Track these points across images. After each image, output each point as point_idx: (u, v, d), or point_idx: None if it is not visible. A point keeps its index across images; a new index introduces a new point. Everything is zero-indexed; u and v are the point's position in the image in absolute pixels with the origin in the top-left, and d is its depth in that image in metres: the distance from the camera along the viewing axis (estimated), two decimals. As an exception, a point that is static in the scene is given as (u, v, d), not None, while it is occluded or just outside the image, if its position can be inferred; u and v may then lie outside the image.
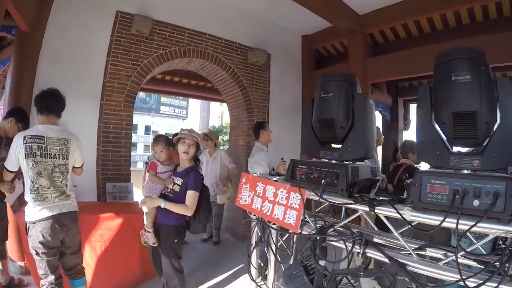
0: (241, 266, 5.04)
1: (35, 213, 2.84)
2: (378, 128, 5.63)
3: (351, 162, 2.02)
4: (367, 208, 1.68)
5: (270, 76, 6.72)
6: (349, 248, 1.69)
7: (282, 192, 2.15)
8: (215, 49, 5.87)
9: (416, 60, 5.44)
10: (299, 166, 2.12)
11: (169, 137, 3.81)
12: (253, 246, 2.79)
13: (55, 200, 2.93)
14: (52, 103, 3.10)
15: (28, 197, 2.85)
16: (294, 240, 2.56)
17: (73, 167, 3.26)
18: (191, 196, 3.07)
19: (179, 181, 3.17)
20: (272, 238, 2.54)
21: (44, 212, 2.85)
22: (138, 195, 7.61)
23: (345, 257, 1.70)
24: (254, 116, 6.37)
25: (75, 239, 3.14)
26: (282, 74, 6.96)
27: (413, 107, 9.45)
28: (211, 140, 6.03)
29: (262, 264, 2.83)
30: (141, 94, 28.94)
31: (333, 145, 2.08)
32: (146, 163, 8.02)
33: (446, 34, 5.83)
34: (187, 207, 3.04)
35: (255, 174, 2.58)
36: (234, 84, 6.19)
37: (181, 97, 30.85)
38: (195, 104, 33.67)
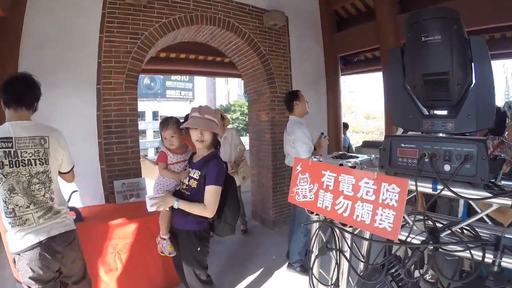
0: (274, 258, 4.47)
1: (17, 241, 2.05)
2: None
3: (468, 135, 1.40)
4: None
5: (289, 41, 5.68)
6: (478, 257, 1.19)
7: (368, 183, 1.45)
8: (226, 14, 4.90)
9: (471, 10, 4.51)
10: (402, 145, 1.43)
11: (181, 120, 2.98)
12: (316, 254, 2.01)
13: (39, 222, 2.10)
14: (22, 92, 2.20)
15: (5, 222, 2.06)
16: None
17: (59, 172, 2.41)
18: (211, 193, 2.29)
19: (195, 174, 2.39)
20: (347, 245, 1.78)
21: (28, 239, 2.06)
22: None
23: (475, 271, 1.17)
24: (276, 87, 5.46)
25: (75, 266, 2.34)
26: (301, 39, 5.98)
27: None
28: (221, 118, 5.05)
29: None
30: (146, 80, 28.02)
31: (441, 112, 1.46)
32: (158, 148, 7.24)
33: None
34: (205, 207, 2.28)
35: (314, 159, 1.81)
36: (251, 52, 5.24)
37: (186, 79, 29.94)
38: (201, 85, 32.71)
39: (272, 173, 5.36)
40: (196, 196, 2.34)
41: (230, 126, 5.93)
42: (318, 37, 6.35)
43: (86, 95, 3.87)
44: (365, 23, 6.12)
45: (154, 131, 32.60)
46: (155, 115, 33.27)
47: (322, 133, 4.02)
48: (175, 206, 2.29)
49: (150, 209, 2.37)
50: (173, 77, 29.94)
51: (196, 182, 2.34)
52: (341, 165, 1.60)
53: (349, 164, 1.60)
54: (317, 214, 1.80)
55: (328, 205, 1.62)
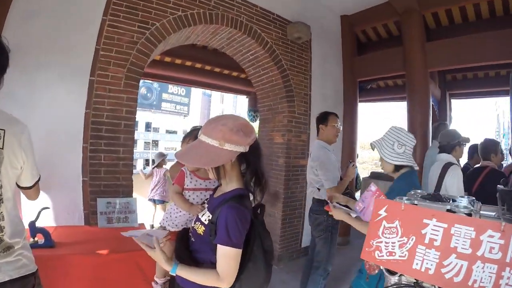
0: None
1: None
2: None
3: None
4: None
5: (311, 58, 4.94)
6: None
7: (492, 237, 0.98)
8: (249, 18, 4.19)
9: (485, 47, 4.29)
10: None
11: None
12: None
13: (-21, 262, 1.25)
14: None
15: None
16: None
17: (18, 186, 1.59)
18: (225, 257, 1.35)
19: (205, 215, 1.49)
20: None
21: None
22: (143, 212, 5.94)
23: None
24: (295, 106, 4.70)
25: None
26: (323, 58, 5.29)
27: (455, 103, 8.00)
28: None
29: None
30: (143, 90, 27.07)
31: None
32: (153, 161, 6.51)
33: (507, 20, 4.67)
34: (219, 278, 1.35)
35: (406, 201, 1.18)
36: (271, 65, 4.50)
37: (183, 94, 29.13)
38: (196, 101, 31.85)
39: (283, 203, 4.55)
40: (201, 248, 1.48)
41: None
42: (339, 59, 5.68)
43: (74, 86, 3.03)
44: (386, 49, 5.63)
45: (145, 142, 31.42)
46: (148, 126, 32.13)
47: (351, 161, 3.33)
48: (171, 272, 1.37)
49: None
50: (170, 90, 29.07)
51: (202, 228, 1.45)
52: (450, 211, 1.10)
53: (464, 211, 1.09)
54: (400, 275, 1.21)
55: (431, 267, 1.12)
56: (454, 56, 4.54)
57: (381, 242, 1.23)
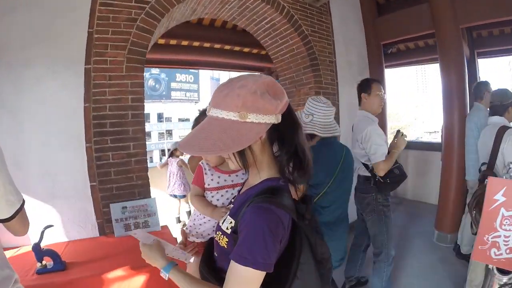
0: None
1: None
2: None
3: None
4: None
5: (332, 22, 4.28)
6: None
7: None
8: (260, -19, 3.47)
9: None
10: None
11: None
12: None
13: None
14: None
15: None
16: None
17: None
18: (238, 280, 0.84)
19: (227, 221, 1.00)
20: None
21: None
22: (166, 207, 5.47)
23: None
24: (321, 75, 4.06)
25: None
26: (344, 21, 4.61)
27: (483, 62, 7.06)
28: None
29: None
30: (150, 82, 26.46)
31: None
32: (169, 150, 5.86)
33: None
34: None
35: None
36: (291, 32, 3.87)
37: (191, 80, 28.47)
38: (205, 86, 31.15)
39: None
40: (227, 266, 0.93)
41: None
42: (359, 21, 4.98)
43: (69, 78, 2.50)
44: (409, 7, 4.83)
45: (159, 133, 31.03)
46: (160, 117, 31.62)
47: (399, 131, 2.78)
48: (164, 272, 1.01)
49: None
50: (178, 78, 28.30)
51: (225, 240, 0.98)
52: None
53: None
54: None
55: None
56: (486, 10, 3.88)
57: (499, 236, 1.03)
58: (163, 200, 5.01)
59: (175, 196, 5.47)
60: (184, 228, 1.66)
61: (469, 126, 3.48)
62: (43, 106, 2.40)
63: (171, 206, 5.64)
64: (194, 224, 1.62)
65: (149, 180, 2.76)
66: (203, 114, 1.45)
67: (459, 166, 3.81)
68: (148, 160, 3.26)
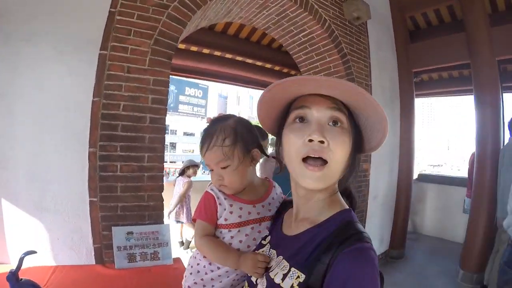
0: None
1: None
2: None
3: None
4: None
5: (369, 44, 3.73)
6: None
7: None
8: (305, -10, 3.00)
9: None
10: None
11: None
12: None
13: None
14: None
15: None
16: None
17: None
18: None
19: (280, 274, 0.66)
20: None
21: None
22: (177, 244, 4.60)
23: None
24: (358, 99, 3.38)
25: None
26: (379, 44, 4.11)
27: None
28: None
29: None
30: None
31: None
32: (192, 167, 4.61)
33: None
34: None
35: None
36: (330, 48, 3.35)
37: (200, 96, 28.07)
38: (213, 103, 30.77)
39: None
40: None
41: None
42: (392, 46, 4.48)
43: (77, 63, 1.93)
44: (442, 36, 4.43)
45: (170, 144, 30.02)
46: (165, 128, 31.04)
47: None
48: None
49: None
50: (187, 92, 27.79)
51: None
52: None
53: None
54: None
55: None
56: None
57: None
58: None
59: (178, 222, 4.47)
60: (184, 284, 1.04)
61: (505, 161, 3.12)
62: (41, 92, 1.83)
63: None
64: (202, 279, 0.98)
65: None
66: (216, 122, 0.96)
67: (489, 202, 3.45)
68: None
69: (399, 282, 3.51)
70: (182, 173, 4.49)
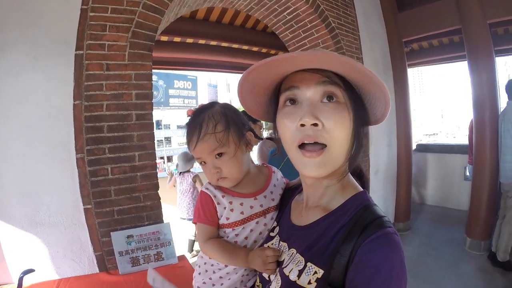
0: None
1: None
2: None
3: None
4: None
5: (356, 16, 3.61)
6: None
7: None
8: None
9: None
10: None
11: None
12: None
13: None
14: None
15: None
16: None
17: None
18: None
19: (304, 274, 0.59)
20: None
21: None
22: (181, 241, 4.19)
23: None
24: (350, 73, 3.29)
25: None
26: (367, 16, 3.99)
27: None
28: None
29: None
30: (150, 89, 25.66)
31: None
32: (177, 165, 4.25)
33: None
34: None
35: None
36: (317, 23, 3.23)
37: (189, 87, 27.68)
38: (203, 93, 30.38)
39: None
40: None
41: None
42: (380, 17, 4.36)
43: (54, 68, 1.82)
44: (431, 2, 4.28)
45: (158, 140, 29.96)
46: (158, 124, 30.67)
47: None
48: None
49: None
50: (176, 85, 27.57)
51: None
52: None
53: None
54: None
55: None
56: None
57: None
58: (175, 219, 3.94)
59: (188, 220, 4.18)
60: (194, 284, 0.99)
61: (505, 126, 3.11)
62: (20, 104, 1.73)
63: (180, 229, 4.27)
64: (210, 279, 0.93)
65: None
66: (201, 111, 0.87)
67: (491, 168, 3.41)
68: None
69: (407, 255, 3.41)
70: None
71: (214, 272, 0.93)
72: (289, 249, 0.67)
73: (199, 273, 0.97)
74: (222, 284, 0.91)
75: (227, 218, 0.88)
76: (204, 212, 0.90)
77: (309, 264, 0.59)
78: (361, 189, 0.65)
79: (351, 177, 0.66)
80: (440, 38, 5.66)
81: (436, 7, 4.09)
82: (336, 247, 0.55)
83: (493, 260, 3.14)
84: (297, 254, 0.63)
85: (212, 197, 0.89)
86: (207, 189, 0.91)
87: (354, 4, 3.71)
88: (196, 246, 4.20)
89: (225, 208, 0.87)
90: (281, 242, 0.72)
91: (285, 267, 0.64)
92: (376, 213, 0.57)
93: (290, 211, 0.77)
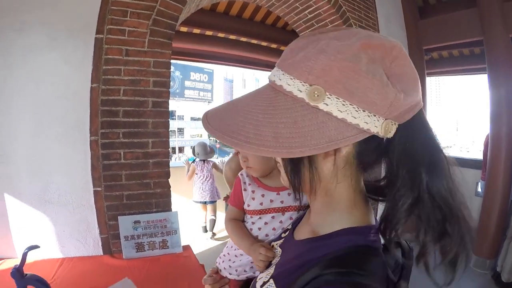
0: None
1: None
2: None
3: None
4: None
5: (377, 19, 3.53)
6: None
7: None
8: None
9: None
10: None
11: None
12: None
13: None
14: None
15: None
16: None
17: None
18: None
19: (262, 281, 0.57)
20: None
21: None
22: (187, 226, 4.16)
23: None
24: (369, 78, 3.23)
25: None
26: (387, 19, 3.90)
27: None
28: None
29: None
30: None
31: None
32: (193, 161, 4.54)
33: None
34: None
35: None
36: (339, 24, 3.19)
37: (205, 80, 27.80)
38: (219, 87, 30.51)
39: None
40: None
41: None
42: (401, 23, 4.26)
43: (73, 49, 1.82)
44: (452, 11, 4.19)
45: (170, 130, 30.30)
46: (172, 114, 30.84)
47: None
48: None
49: None
50: (192, 77, 27.50)
51: None
52: None
53: None
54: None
55: None
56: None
57: None
58: (183, 209, 4.03)
59: (204, 203, 4.43)
60: (216, 262, 1.09)
61: None
62: (37, 84, 1.75)
63: (194, 213, 4.63)
64: (229, 254, 1.05)
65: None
66: None
67: (504, 185, 3.31)
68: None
69: None
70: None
71: (233, 248, 1.04)
72: (279, 257, 0.63)
73: (226, 246, 1.08)
74: (234, 262, 1.02)
75: (248, 205, 0.96)
76: (233, 194, 1.02)
77: (271, 280, 0.55)
78: (367, 223, 0.50)
79: (354, 203, 0.50)
80: (461, 49, 5.54)
81: (459, 17, 4.01)
82: (297, 277, 0.47)
83: (497, 280, 3.05)
84: (275, 265, 0.60)
85: (242, 183, 0.99)
86: (241, 174, 1.02)
87: (376, 7, 3.64)
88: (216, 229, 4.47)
89: (249, 195, 0.96)
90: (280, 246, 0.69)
91: (264, 271, 0.61)
92: (351, 260, 0.43)
93: (301, 220, 0.70)
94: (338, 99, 0.38)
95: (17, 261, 1.42)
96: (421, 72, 4.38)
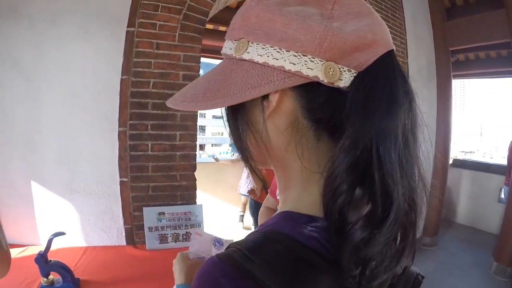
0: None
1: None
2: None
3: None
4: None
5: (404, 19, 3.48)
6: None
7: None
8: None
9: None
10: None
11: None
12: None
13: None
14: None
15: None
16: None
17: None
18: None
19: None
20: None
21: None
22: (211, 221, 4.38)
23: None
24: (394, 77, 3.17)
25: None
26: (414, 20, 3.80)
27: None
28: None
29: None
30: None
31: None
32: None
33: None
34: None
35: None
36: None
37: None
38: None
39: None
40: None
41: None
42: (428, 24, 4.14)
43: (104, 42, 1.85)
44: (480, 12, 4.06)
45: (199, 127, 30.62)
46: (198, 106, 31.33)
47: None
48: None
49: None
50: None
51: None
52: None
53: None
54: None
55: None
56: None
57: None
58: (210, 207, 4.08)
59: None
60: None
61: None
62: (68, 73, 1.77)
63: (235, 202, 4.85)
64: None
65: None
66: None
67: None
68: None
69: (431, 271, 3.32)
70: None
71: None
72: None
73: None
74: None
75: (278, 194, 0.97)
76: (273, 184, 1.17)
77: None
78: (308, 211, 0.37)
79: (303, 183, 0.39)
80: (487, 51, 5.37)
81: (486, 18, 3.90)
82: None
83: None
84: None
85: None
86: None
87: (403, 8, 3.56)
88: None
89: None
90: None
91: None
92: (245, 242, 0.35)
93: None
94: (258, 44, 0.35)
95: (40, 248, 1.44)
96: (447, 74, 4.27)
